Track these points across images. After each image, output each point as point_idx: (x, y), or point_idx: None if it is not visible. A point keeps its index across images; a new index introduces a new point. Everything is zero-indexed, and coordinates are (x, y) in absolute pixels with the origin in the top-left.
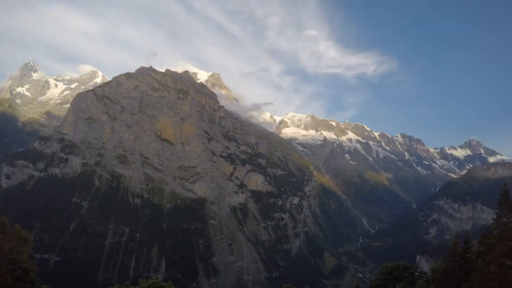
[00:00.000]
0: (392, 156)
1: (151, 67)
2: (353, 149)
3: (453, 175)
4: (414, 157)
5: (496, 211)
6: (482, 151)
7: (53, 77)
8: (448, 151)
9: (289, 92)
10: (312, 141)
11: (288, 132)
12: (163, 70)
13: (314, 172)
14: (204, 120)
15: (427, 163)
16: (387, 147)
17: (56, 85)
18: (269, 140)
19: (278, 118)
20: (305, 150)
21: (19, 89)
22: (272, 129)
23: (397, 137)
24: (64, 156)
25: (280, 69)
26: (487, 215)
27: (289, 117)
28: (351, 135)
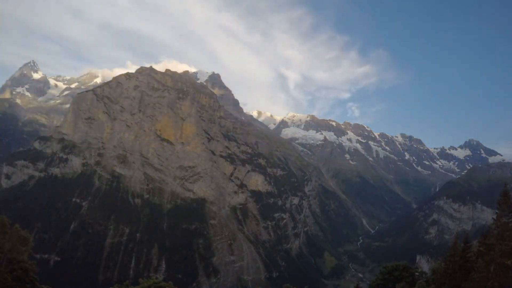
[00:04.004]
0: (392, 156)
1: (151, 67)
2: (353, 149)
3: (453, 175)
4: (414, 157)
5: (496, 211)
6: (482, 151)
7: (53, 77)
8: (448, 151)
9: (304, 101)
10: (312, 141)
11: (288, 132)
12: (163, 70)
13: (314, 172)
14: (204, 120)
15: (427, 163)
16: (387, 147)
17: (56, 85)
18: (269, 140)
19: (278, 118)
20: (305, 150)
21: (19, 89)
22: (272, 129)
23: (397, 137)
24: (64, 156)
25: (295, 79)
26: (487, 215)
27: (289, 117)
28: (351, 135)
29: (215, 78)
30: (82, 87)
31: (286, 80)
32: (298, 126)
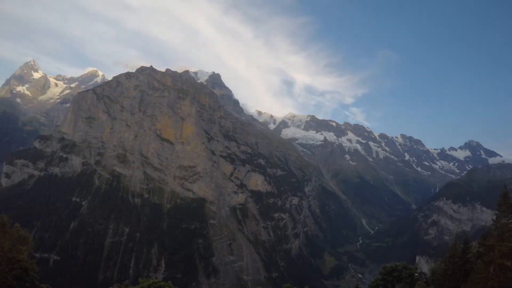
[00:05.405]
0: (392, 156)
1: (151, 66)
2: (353, 149)
3: (453, 176)
4: (414, 158)
5: (496, 212)
6: (482, 152)
7: (53, 76)
8: (448, 152)
9: (309, 105)
10: (312, 141)
11: (288, 132)
12: (163, 70)
13: (314, 172)
14: (204, 120)
15: (427, 164)
16: (387, 148)
17: (56, 84)
18: (269, 140)
19: (278, 118)
20: (305, 150)
21: (19, 88)
22: (272, 129)
23: (397, 137)
24: (64, 155)
25: (299, 84)
26: (487, 216)
27: (289, 117)
28: (351, 135)
29: (215, 78)
30: (82, 86)
31: (290, 85)
32: (298, 126)
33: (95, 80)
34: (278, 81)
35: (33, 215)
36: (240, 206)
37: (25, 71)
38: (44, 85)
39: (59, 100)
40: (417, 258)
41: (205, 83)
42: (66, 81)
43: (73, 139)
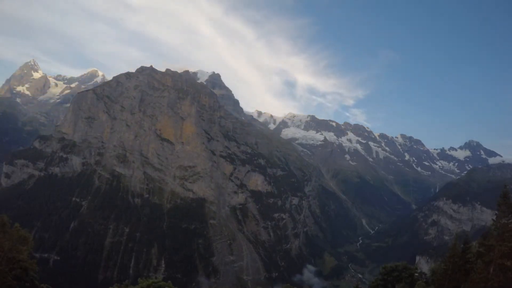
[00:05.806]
0: (392, 156)
1: (151, 66)
2: (353, 149)
3: (453, 176)
4: (414, 158)
5: (496, 212)
6: (482, 152)
7: (53, 76)
8: (448, 152)
9: (310, 106)
10: (312, 142)
11: (288, 132)
12: (163, 70)
13: (314, 172)
14: (204, 120)
15: (427, 164)
16: (387, 148)
17: (56, 84)
18: (269, 140)
19: (278, 118)
20: (305, 150)
21: (19, 88)
22: (272, 129)
23: (397, 137)
24: (64, 156)
25: (300, 85)
26: (487, 216)
27: (289, 117)
28: (351, 135)
29: (215, 78)
30: (82, 86)
31: (292, 87)
32: (298, 126)
33: (95, 80)
34: (280, 82)
35: (33, 215)
36: (240, 206)
37: (25, 71)
38: (44, 85)
39: (59, 100)
40: (417, 258)
41: (205, 83)
42: (66, 81)
43: (73, 139)
